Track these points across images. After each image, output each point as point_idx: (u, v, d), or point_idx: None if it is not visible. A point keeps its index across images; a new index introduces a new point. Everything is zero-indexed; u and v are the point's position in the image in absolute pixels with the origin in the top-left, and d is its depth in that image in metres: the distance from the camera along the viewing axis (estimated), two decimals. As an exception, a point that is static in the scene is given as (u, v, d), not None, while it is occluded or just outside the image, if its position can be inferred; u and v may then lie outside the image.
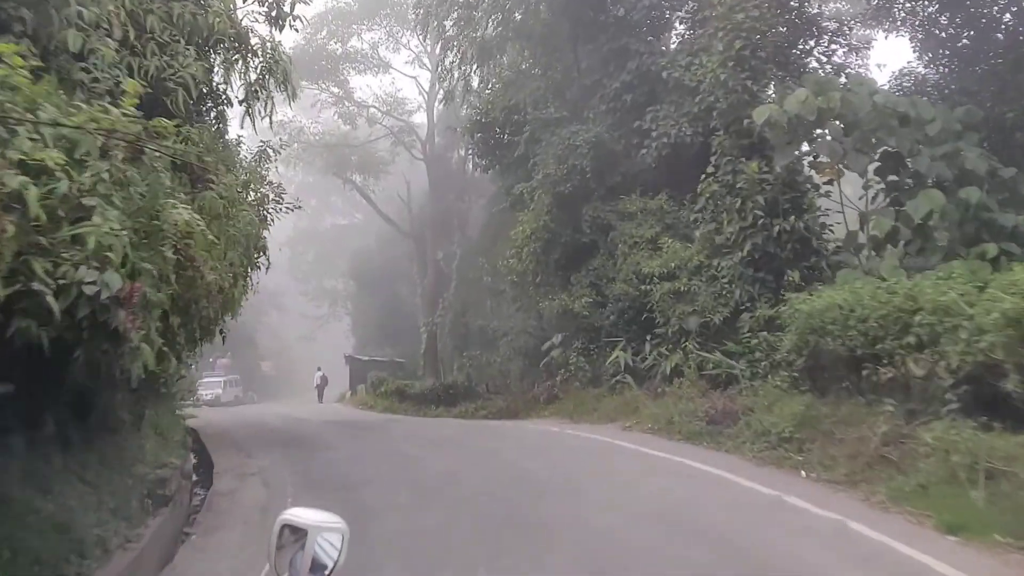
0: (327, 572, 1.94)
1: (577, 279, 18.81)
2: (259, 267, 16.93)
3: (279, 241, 60.32)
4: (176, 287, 6.19)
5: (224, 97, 13.19)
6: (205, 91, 11.44)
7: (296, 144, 36.66)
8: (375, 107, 37.30)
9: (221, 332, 13.71)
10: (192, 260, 6.46)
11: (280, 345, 69.48)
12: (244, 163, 18.19)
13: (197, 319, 8.23)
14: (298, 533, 1.94)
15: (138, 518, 7.00)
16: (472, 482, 10.23)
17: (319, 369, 40.68)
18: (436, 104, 38.31)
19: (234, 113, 14.07)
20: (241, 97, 12.67)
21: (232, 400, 48.22)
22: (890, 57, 65.96)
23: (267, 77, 12.21)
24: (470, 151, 27.37)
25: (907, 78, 19.29)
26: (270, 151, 19.50)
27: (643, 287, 17.09)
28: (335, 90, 35.97)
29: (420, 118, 39.50)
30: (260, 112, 12.70)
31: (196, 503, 10.10)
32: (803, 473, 9.37)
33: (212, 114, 13.57)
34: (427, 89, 37.71)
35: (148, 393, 10.60)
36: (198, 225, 6.40)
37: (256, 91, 12.29)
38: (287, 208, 18.97)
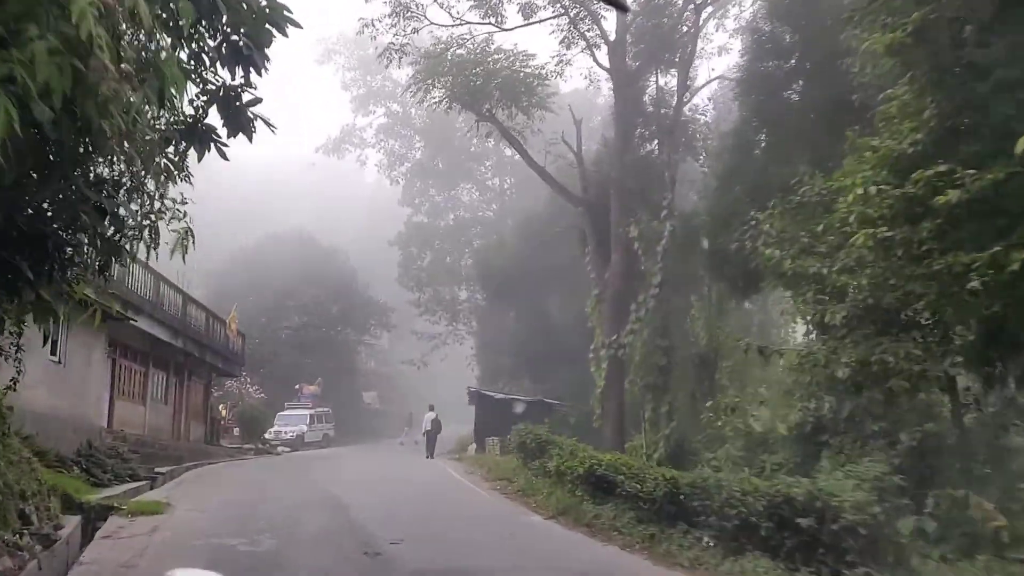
0: None
1: None
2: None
3: (386, 235, 47.74)
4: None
5: None
6: None
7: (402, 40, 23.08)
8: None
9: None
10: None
11: (389, 371, 57.75)
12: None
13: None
14: None
15: None
16: None
17: (431, 409, 27.27)
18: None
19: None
20: None
21: (320, 440, 36.32)
22: None
23: None
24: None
25: None
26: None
27: None
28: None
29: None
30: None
31: None
32: None
33: None
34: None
35: None
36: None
37: None
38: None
